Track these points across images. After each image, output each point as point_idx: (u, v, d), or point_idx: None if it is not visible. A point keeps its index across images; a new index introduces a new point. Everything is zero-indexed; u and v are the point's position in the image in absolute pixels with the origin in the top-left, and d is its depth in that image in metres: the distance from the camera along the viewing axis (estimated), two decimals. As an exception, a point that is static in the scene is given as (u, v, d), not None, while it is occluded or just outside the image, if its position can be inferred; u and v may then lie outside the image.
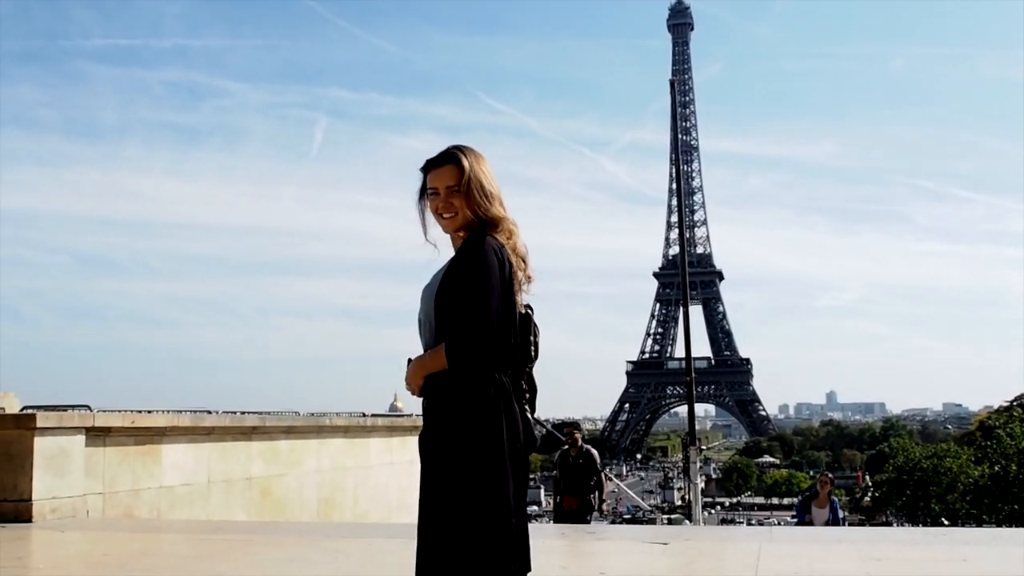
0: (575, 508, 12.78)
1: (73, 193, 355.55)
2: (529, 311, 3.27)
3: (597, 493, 12.94)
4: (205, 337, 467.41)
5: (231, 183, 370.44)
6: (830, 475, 15.06)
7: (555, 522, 13.29)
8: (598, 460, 13.30)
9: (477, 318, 3.01)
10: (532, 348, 3.23)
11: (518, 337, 3.18)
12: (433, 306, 3.13)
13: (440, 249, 3.34)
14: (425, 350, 3.19)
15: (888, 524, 58.86)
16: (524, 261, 3.25)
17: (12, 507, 9.35)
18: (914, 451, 74.36)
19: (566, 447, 12.90)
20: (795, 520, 15.64)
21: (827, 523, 13.61)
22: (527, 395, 3.25)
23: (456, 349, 3.03)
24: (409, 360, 3.22)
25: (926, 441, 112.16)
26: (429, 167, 3.26)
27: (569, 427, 14.08)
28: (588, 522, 12.66)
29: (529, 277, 3.26)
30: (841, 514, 14.68)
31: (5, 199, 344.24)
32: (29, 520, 9.28)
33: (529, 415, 3.23)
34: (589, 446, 13.50)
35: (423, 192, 3.29)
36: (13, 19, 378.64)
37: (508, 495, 3.03)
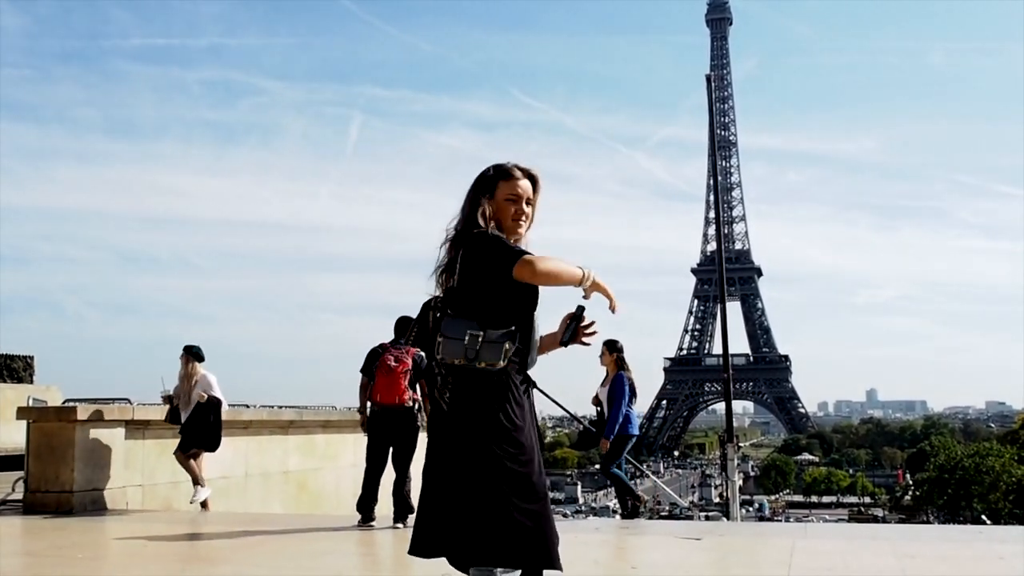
0: None
1: (114, 190, 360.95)
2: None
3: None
4: (244, 332, 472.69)
5: (268, 180, 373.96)
6: (617, 343, 10.25)
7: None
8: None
9: None
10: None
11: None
12: None
13: None
14: None
15: (929, 523, 58.09)
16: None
17: (54, 498, 9.52)
18: (956, 450, 73.39)
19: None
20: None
21: (605, 403, 10.04)
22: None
23: None
24: None
25: (968, 439, 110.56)
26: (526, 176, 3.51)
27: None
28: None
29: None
30: (627, 394, 9.96)
31: (49, 197, 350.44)
32: (70, 511, 9.45)
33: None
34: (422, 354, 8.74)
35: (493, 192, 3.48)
36: (54, 20, 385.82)
37: None
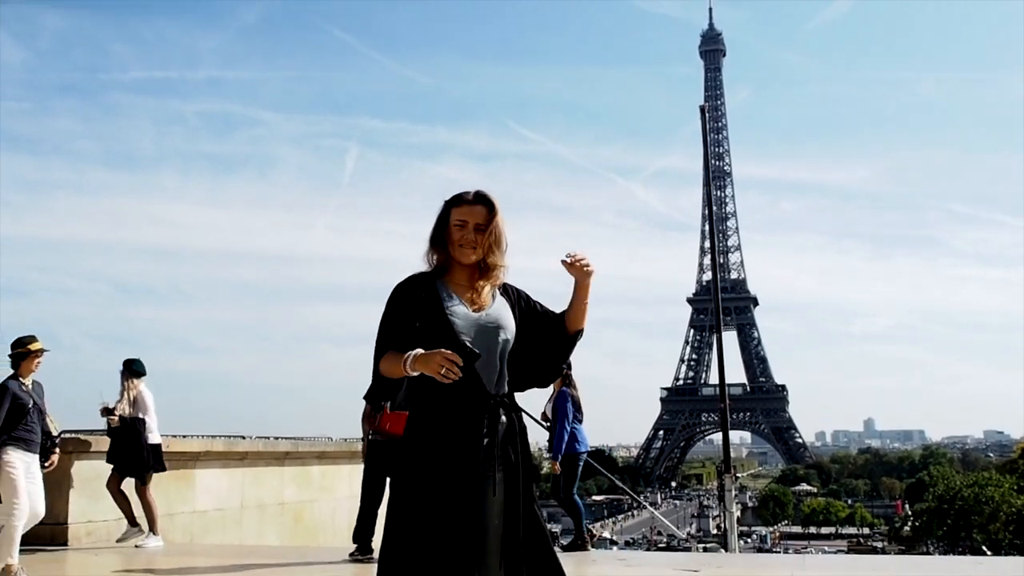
0: None
1: (111, 222, 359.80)
2: None
3: None
4: (240, 363, 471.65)
5: (265, 211, 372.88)
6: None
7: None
8: None
9: None
10: None
11: None
12: (515, 334, 3.41)
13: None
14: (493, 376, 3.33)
15: (928, 554, 57.72)
16: None
17: (48, 530, 9.43)
18: (955, 479, 73.17)
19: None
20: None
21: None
22: None
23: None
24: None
25: (967, 469, 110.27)
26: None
27: None
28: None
29: None
30: (570, 411, 9.66)
31: (46, 228, 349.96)
32: (65, 543, 9.38)
33: None
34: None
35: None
36: (54, 54, 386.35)
37: None
